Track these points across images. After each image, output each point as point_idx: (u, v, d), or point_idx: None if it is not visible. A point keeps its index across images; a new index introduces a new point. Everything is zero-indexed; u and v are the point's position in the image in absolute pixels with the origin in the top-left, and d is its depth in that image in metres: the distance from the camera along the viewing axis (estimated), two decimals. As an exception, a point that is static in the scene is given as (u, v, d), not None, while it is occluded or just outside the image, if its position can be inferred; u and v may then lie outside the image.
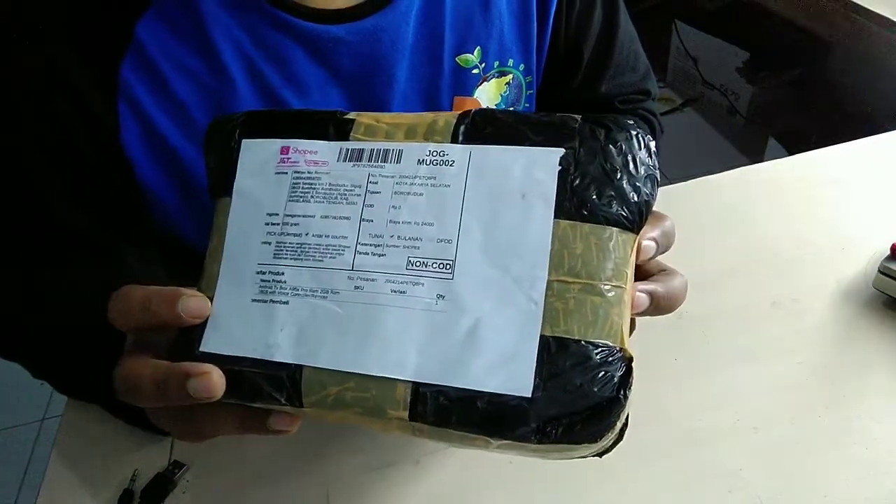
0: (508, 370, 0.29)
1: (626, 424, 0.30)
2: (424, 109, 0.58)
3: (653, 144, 0.32)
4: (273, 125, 0.35)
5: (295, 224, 0.33)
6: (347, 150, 0.33)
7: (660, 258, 0.35)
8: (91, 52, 0.48)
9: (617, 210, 0.30)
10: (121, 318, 0.33)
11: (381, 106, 0.57)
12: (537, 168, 0.31)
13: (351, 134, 0.34)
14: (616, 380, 0.28)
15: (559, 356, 0.29)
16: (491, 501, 0.45)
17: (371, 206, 0.32)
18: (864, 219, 0.63)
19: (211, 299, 0.33)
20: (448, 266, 0.31)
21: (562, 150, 0.31)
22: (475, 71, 0.60)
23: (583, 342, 0.29)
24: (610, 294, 0.29)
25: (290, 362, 0.31)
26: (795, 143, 1.68)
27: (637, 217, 0.31)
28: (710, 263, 0.59)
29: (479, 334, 0.29)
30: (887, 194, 0.65)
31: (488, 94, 0.62)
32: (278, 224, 0.33)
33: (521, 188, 0.31)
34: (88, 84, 0.49)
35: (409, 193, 0.32)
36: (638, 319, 0.34)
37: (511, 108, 0.64)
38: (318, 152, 0.34)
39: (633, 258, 0.31)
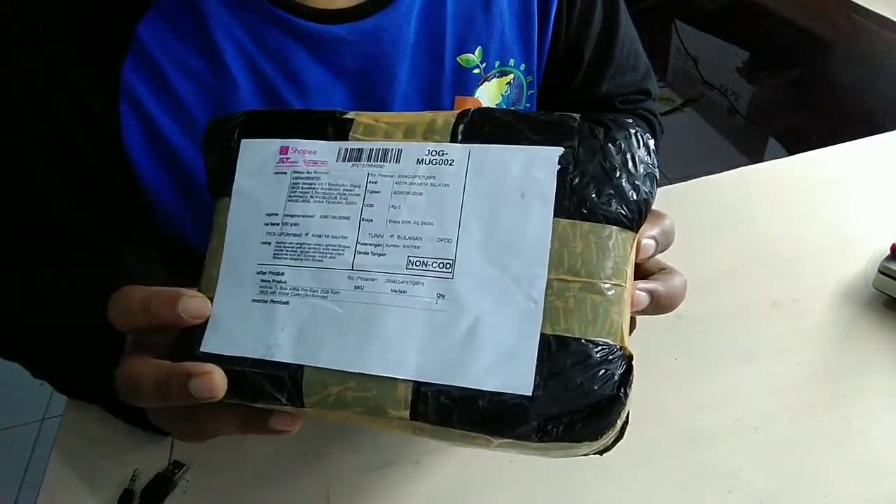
0: (509, 369, 0.29)
1: (626, 422, 0.30)
2: (425, 109, 0.58)
3: (652, 143, 0.32)
4: (272, 125, 0.35)
5: (294, 224, 0.33)
6: (346, 149, 0.33)
7: (660, 257, 0.35)
8: (92, 53, 0.48)
9: (616, 208, 0.30)
10: (121, 318, 0.33)
11: (382, 106, 0.57)
12: (536, 167, 0.31)
13: (350, 134, 0.34)
14: (616, 378, 0.28)
15: (559, 355, 0.29)
16: (492, 501, 0.45)
17: (370, 205, 0.32)
18: (864, 219, 0.63)
19: (211, 300, 0.33)
20: (448, 265, 0.31)
21: (561, 149, 0.31)
22: (476, 71, 0.60)
23: (583, 340, 0.29)
24: (610, 292, 0.30)
25: (291, 362, 0.31)
26: (795, 143, 1.68)
27: (636, 215, 0.31)
28: (710, 263, 0.59)
29: (479, 333, 0.29)
30: (887, 194, 0.65)
31: (489, 94, 0.62)
32: (278, 224, 0.33)
33: (520, 187, 0.31)
34: (89, 84, 0.49)
35: (408, 193, 0.32)
36: (638, 319, 0.34)
37: (511, 108, 0.64)
38: (318, 152, 0.34)
39: (632, 257, 0.31)
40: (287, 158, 0.34)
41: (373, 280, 0.31)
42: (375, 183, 0.32)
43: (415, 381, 0.29)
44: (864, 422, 0.47)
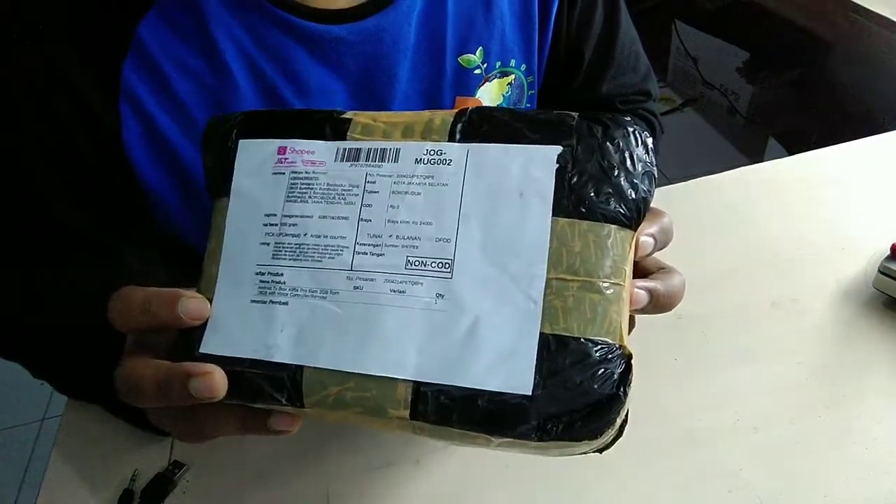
0: (508, 368, 0.29)
1: (625, 421, 0.30)
2: (425, 109, 0.58)
3: (650, 141, 0.32)
4: (270, 125, 0.35)
5: (293, 224, 0.33)
6: (345, 149, 0.33)
7: (659, 256, 0.35)
8: (92, 53, 0.48)
9: (615, 207, 0.30)
10: (121, 319, 0.33)
11: (383, 106, 0.57)
12: (535, 166, 0.31)
13: (348, 133, 0.34)
14: (616, 377, 0.28)
15: (559, 354, 0.29)
16: (492, 500, 0.45)
17: (369, 205, 0.32)
18: (864, 219, 0.63)
19: (210, 300, 0.33)
20: (447, 265, 0.31)
21: (559, 148, 0.31)
22: (477, 71, 0.60)
23: (582, 340, 0.29)
24: (608, 291, 0.29)
25: (290, 363, 0.31)
26: (795, 143, 1.68)
27: (635, 214, 0.31)
28: (710, 263, 0.59)
29: (478, 333, 0.29)
30: (887, 194, 0.65)
31: (490, 95, 0.62)
32: (276, 224, 0.33)
33: (518, 186, 0.31)
34: (89, 84, 0.49)
35: (406, 193, 0.32)
36: (637, 319, 0.34)
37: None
38: (316, 152, 0.34)
39: (631, 255, 0.31)
40: (285, 158, 0.34)
41: (372, 280, 0.31)
42: (374, 183, 0.32)
43: (414, 381, 0.29)
44: (864, 422, 0.47)
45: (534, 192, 0.31)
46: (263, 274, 0.33)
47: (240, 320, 0.32)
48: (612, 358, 0.29)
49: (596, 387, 0.28)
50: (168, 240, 0.57)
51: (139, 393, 0.32)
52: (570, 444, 0.29)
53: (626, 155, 0.31)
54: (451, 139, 0.32)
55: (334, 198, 0.33)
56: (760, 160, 0.79)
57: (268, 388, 0.31)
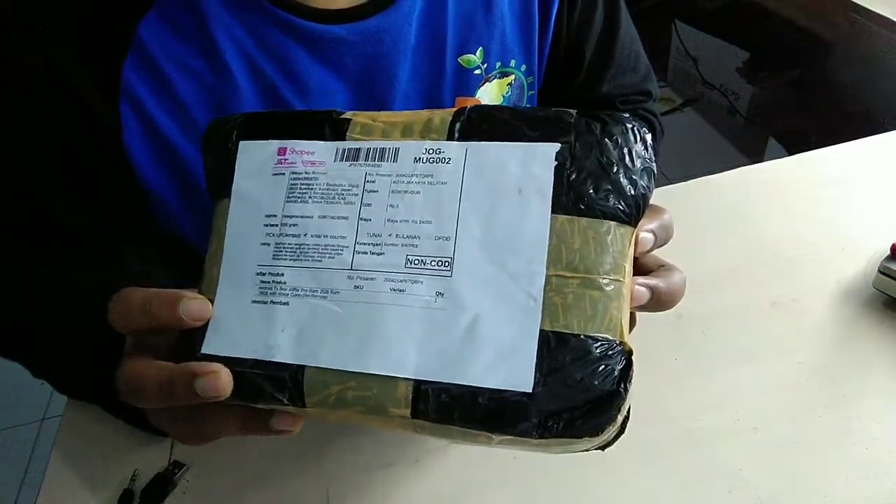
0: (509, 366, 0.29)
1: (627, 417, 0.30)
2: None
3: (649, 137, 0.31)
4: (270, 126, 0.35)
5: (293, 225, 0.33)
6: (344, 149, 0.33)
7: (659, 255, 0.35)
8: (92, 53, 0.48)
9: (614, 204, 0.30)
10: (121, 320, 0.33)
11: (383, 106, 0.57)
12: (534, 163, 0.31)
13: (347, 133, 0.34)
14: (616, 373, 0.28)
15: (559, 351, 0.29)
16: (492, 499, 0.45)
17: (369, 205, 0.32)
18: (864, 219, 0.63)
19: (211, 301, 0.33)
20: (446, 263, 0.31)
21: (558, 145, 0.31)
22: (477, 71, 0.60)
23: (582, 336, 0.29)
24: (608, 288, 0.30)
25: (292, 363, 0.31)
26: (795, 143, 1.68)
27: (634, 210, 0.31)
28: (710, 263, 0.59)
29: (478, 331, 0.29)
30: (887, 194, 0.65)
31: (490, 95, 0.62)
32: (277, 225, 0.33)
33: (517, 184, 0.31)
34: (89, 84, 0.49)
35: (406, 192, 0.32)
36: (638, 318, 0.34)
37: (510, 108, 0.64)
38: (315, 152, 0.34)
39: (631, 252, 0.31)
40: (285, 159, 0.34)
41: (372, 279, 0.31)
42: (373, 182, 0.32)
43: (415, 380, 0.29)
44: (864, 422, 0.47)
45: (533, 189, 0.31)
46: (264, 274, 0.33)
47: (241, 321, 0.32)
48: (613, 354, 0.29)
49: (596, 383, 0.28)
50: (168, 240, 0.58)
51: (141, 393, 0.32)
52: (572, 441, 0.29)
53: (625, 151, 0.31)
54: (450, 138, 0.32)
55: (334, 198, 0.33)
56: (760, 160, 0.79)
57: (269, 389, 0.31)
